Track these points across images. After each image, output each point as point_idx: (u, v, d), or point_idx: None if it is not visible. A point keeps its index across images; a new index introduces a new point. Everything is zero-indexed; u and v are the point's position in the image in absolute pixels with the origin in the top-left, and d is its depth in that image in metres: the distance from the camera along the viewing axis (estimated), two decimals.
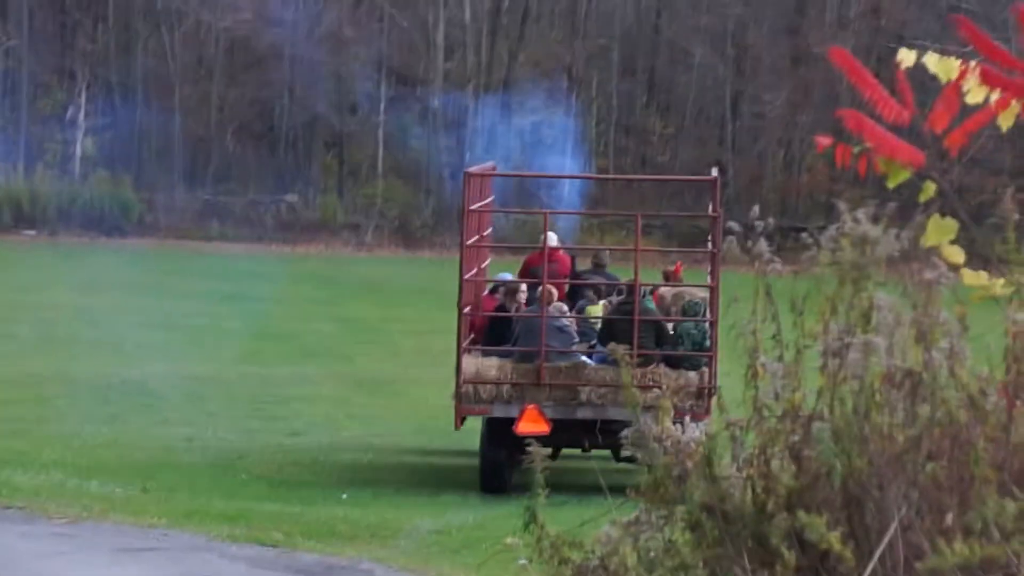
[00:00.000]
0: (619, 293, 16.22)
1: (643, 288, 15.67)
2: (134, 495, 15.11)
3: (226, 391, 23.14)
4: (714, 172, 17.30)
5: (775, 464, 5.42)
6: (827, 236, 5.25)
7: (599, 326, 16.12)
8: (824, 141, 5.21)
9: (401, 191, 43.48)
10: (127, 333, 27.59)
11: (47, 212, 33.33)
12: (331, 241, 42.09)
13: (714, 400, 14.28)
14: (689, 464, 5.49)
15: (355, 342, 29.54)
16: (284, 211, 41.28)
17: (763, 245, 5.32)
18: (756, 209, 5.33)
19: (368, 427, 20.51)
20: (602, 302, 16.17)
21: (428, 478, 17.49)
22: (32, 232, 33.27)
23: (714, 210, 15.73)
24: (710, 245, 16.78)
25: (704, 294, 16.04)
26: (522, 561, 5.61)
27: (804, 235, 5.33)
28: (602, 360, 15.30)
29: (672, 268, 18.12)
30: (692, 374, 15.18)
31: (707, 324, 15.40)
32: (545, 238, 16.31)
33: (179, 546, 12.76)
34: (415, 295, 33.86)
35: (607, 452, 15.58)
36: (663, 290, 16.58)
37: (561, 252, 17.21)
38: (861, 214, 5.28)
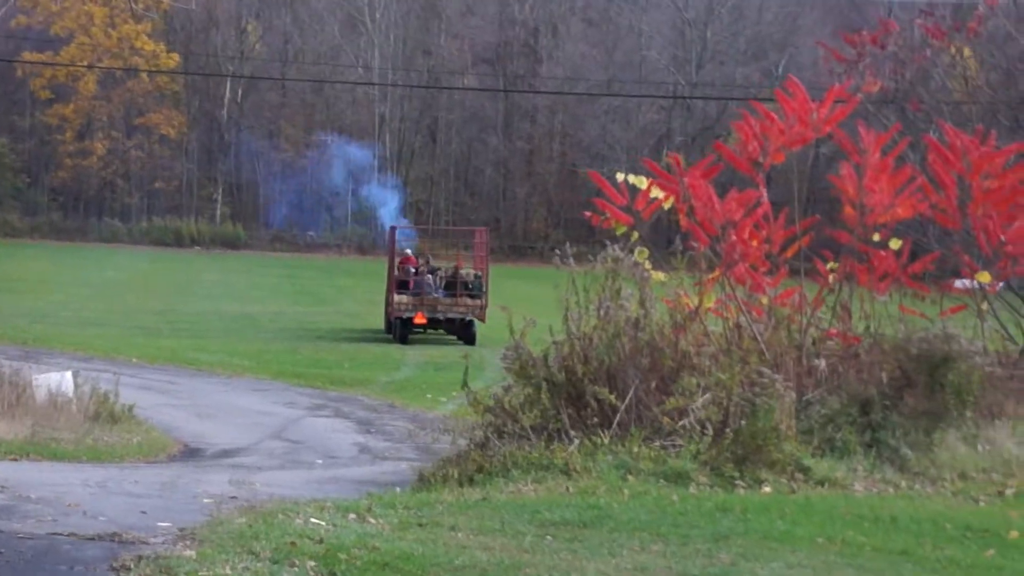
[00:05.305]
0: (446, 272, 38.77)
1: (458, 268, 38.81)
2: (253, 365, 30.91)
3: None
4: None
5: (576, 360, 11.89)
6: (601, 255, 11.98)
7: (443, 284, 38.00)
8: (590, 215, 12.10)
9: None
10: None
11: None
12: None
13: (486, 310, 35.28)
14: (535, 358, 11.93)
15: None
16: None
17: (571, 261, 12.03)
18: (567, 245, 12.06)
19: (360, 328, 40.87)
20: (440, 273, 38.66)
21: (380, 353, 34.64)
22: None
23: (480, 238, 41.29)
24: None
25: (476, 272, 38.55)
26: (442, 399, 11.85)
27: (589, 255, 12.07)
28: (444, 295, 37.28)
29: (457, 263, 40.10)
30: (476, 300, 36.77)
31: (480, 281, 37.40)
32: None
33: (275, 388, 27.22)
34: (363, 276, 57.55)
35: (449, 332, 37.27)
36: (462, 270, 39.11)
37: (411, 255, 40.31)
38: (615, 246, 12.05)
